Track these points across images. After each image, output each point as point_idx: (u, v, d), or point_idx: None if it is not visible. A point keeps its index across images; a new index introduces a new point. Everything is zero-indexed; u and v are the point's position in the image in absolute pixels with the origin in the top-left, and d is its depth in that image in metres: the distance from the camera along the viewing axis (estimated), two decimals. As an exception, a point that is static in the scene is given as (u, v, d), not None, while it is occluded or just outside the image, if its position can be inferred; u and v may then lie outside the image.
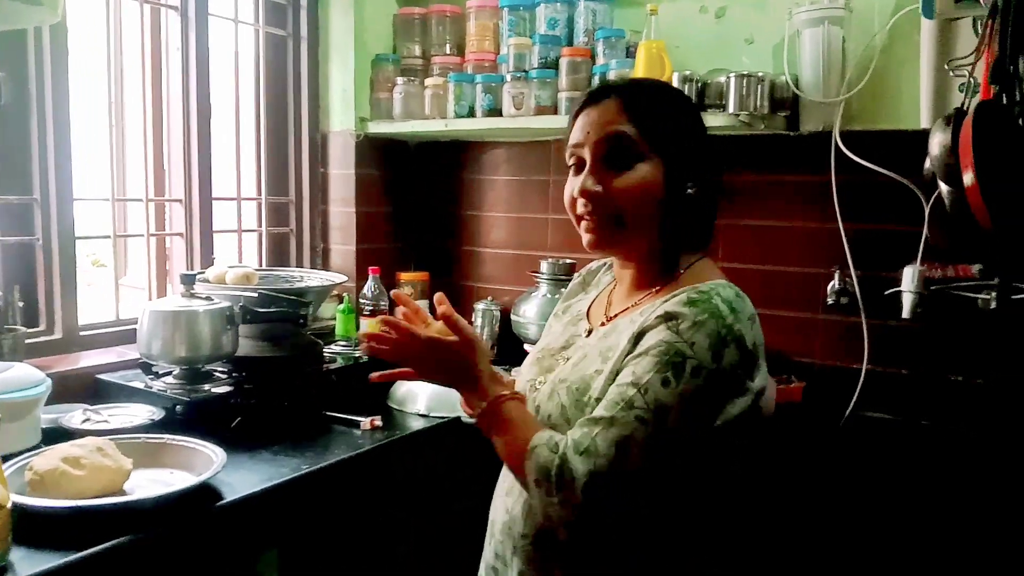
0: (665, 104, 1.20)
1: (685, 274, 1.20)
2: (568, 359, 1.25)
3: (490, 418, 1.17)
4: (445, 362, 1.20)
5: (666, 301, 1.12)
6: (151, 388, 1.92)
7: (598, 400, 1.10)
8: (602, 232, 1.19)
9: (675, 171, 1.16)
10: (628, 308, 1.23)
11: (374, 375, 1.28)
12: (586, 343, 1.25)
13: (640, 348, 1.09)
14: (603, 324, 1.25)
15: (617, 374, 1.10)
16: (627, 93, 1.18)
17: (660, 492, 1.07)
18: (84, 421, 1.73)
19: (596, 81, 2.36)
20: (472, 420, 1.20)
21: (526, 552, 1.19)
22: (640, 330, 1.11)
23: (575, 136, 1.21)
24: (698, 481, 1.12)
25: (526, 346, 2.50)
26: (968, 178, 1.47)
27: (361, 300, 2.60)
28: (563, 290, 2.48)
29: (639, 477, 1.04)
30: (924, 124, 2.00)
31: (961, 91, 1.85)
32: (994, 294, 1.94)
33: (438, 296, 1.24)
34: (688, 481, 1.11)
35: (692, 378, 1.04)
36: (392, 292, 1.33)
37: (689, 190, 1.16)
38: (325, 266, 2.85)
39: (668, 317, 1.08)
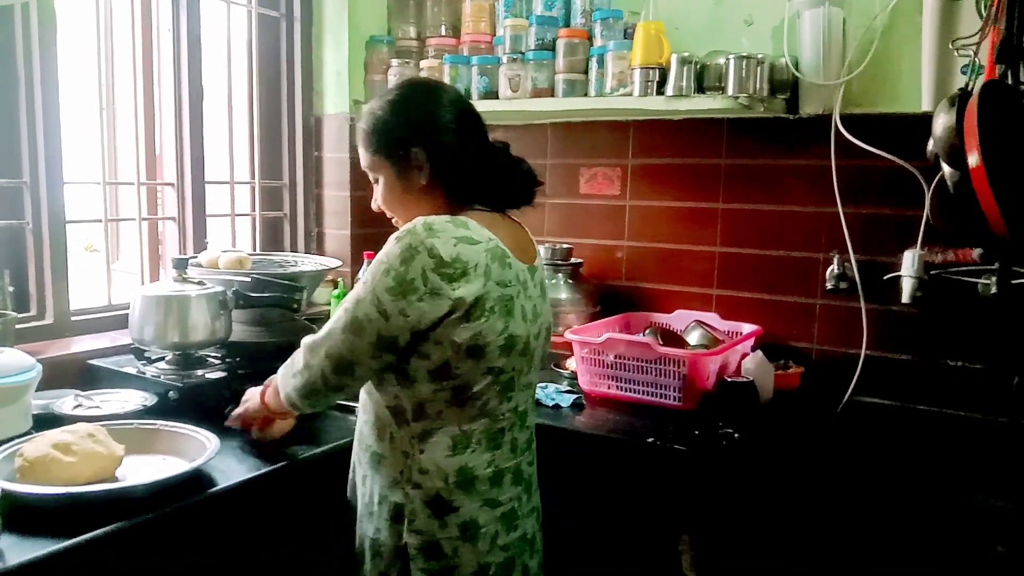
0: (369, 122, 1.47)
1: None
2: None
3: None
4: None
5: None
6: (143, 374, 1.90)
7: None
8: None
9: (400, 168, 1.45)
10: None
11: None
12: None
13: None
14: None
15: None
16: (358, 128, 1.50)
17: None
18: (75, 407, 1.71)
19: (593, 63, 2.33)
20: None
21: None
22: None
23: None
24: None
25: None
26: (973, 159, 1.46)
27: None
28: (560, 274, 2.52)
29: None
30: (925, 107, 1.98)
31: (963, 73, 1.83)
32: (994, 279, 1.93)
33: None
34: None
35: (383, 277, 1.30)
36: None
37: (421, 180, 1.44)
38: (319, 251, 2.83)
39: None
